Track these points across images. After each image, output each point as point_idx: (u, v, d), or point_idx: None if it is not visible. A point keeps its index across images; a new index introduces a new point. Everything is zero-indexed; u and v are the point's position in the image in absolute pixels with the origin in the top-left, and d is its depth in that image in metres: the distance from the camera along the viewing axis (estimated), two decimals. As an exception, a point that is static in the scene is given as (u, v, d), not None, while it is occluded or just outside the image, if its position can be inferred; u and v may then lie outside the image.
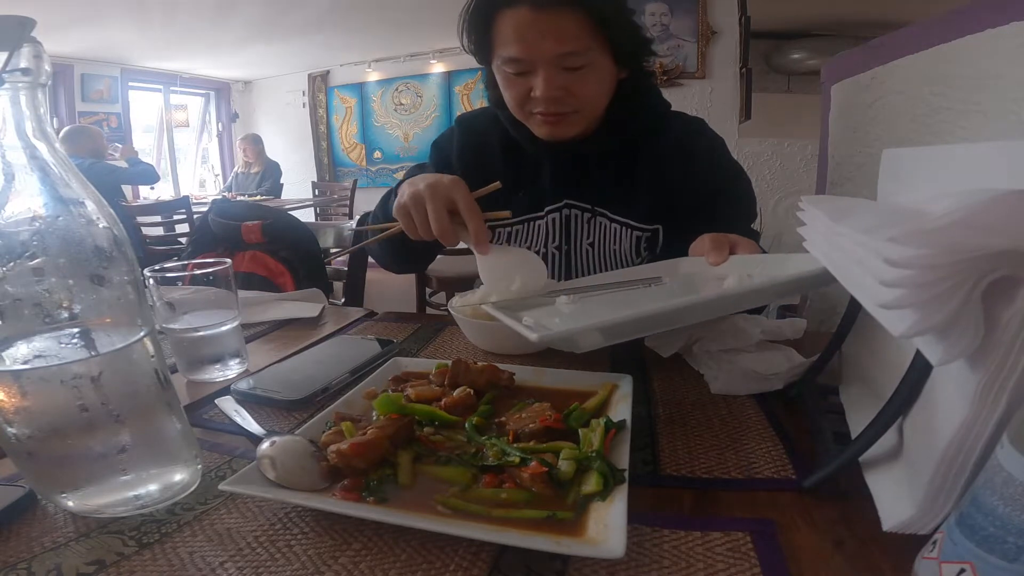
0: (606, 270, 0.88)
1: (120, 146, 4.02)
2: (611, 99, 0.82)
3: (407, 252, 0.86)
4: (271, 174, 4.65)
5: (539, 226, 0.91)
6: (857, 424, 0.43)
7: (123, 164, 3.60)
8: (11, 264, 0.34)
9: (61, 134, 3.35)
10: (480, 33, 0.78)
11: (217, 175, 5.59)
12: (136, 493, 0.38)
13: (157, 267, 0.60)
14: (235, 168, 4.95)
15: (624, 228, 0.87)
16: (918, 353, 0.32)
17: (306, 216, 3.69)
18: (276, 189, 4.63)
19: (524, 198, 0.89)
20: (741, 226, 0.81)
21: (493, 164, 0.90)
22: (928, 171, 0.42)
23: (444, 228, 0.66)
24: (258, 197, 4.20)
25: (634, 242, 0.87)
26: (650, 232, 0.87)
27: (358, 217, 1.26)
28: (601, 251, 0.89)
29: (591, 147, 0.85)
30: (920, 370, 0.33)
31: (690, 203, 0.84)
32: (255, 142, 4.71)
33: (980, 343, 0.26)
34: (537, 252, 0.91)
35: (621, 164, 0.86)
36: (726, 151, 0.89)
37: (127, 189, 4.27)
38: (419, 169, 0.93)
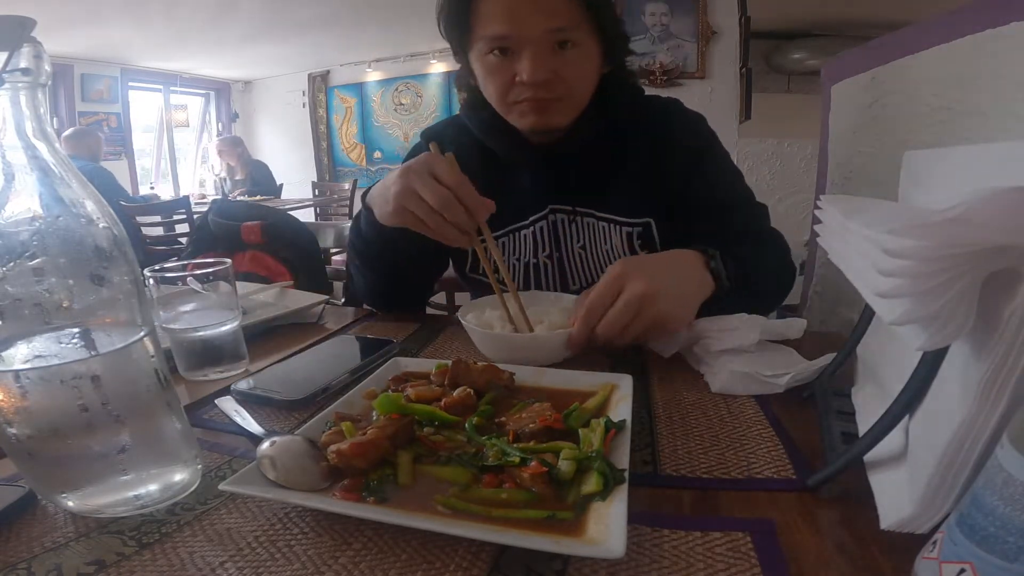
0: (602, 272, 0.80)
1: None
2: (592, 95, 0.79)
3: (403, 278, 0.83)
4: (260, 176, 4.48)
5: (525, 236, 0.86)
6: (866, 425, 0.43)
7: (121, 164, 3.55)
8: (11, 264, 0.34)
9: (64, 135, 3.34)
10: (460, 14, 0.74)
11: (218, 174, 5.58)
12: (136, 493, 0.38)
13: (157, 267, 0.60)
14: (218, 173, 4.67)
15: (612, 225, 0.83)
16: (925, 353, 0.32)
17: (306, 216, 3.69)
18: (270, 188, 4.52)
19: (505, 207, 0.73)
20: (725, 197, 0.81)
21: (467, 174, 0.72)
22: (949, 172, 0.42)
23: (446, 199, 0.60)
24: (258, 197, 4.18)
25: (625, 238, 0.83)
26: (640, 226, 0.83)
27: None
28: (593, 253, 0.85)
29: (568, 146, 0.81)
30: (927, 369, 0.33)
31: (674, 187, 0.81)
32: (235, 144, 4.47)
33: (977, 336, 0.26)
34: (527, 264, 0.87)
35: (601, 159, 0.82)
36: (704, 124, 0.87)
37: (127, 187, 4.24)
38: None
